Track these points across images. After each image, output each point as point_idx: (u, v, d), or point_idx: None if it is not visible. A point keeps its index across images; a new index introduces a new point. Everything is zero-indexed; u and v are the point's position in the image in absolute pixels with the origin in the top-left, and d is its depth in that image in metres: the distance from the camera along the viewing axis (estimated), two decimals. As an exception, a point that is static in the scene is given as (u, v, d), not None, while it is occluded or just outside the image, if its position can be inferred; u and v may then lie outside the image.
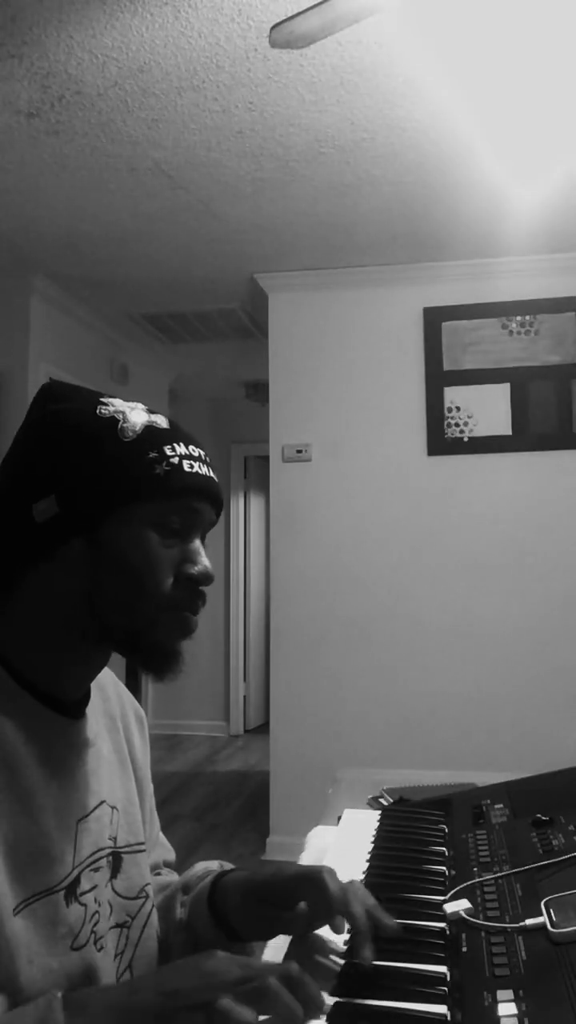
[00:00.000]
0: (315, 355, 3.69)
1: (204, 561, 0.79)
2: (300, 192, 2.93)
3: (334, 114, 2.42)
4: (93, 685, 0.85)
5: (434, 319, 3.57)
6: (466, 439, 3.52)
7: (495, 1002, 0.67)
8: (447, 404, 3.54)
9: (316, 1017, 0.66)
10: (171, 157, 2.67)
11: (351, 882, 0.81)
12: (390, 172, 2.78)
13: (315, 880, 0.78)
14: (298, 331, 3.72)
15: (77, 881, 0.74)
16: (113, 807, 0.83)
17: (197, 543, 0.80)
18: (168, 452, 0.77)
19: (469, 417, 3.51)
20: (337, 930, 0.77)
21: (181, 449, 0.78)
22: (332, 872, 0.79)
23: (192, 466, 0.78)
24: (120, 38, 2.07)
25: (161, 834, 1.03)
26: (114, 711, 0.91)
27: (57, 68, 2.19)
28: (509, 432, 3.47)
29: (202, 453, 0.81)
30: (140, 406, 0.81)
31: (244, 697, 6.20)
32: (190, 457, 0.79)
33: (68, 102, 2.35)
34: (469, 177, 2.80)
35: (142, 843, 0.87)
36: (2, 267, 3.56)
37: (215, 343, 4.77)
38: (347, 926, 0.77)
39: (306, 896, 0.78)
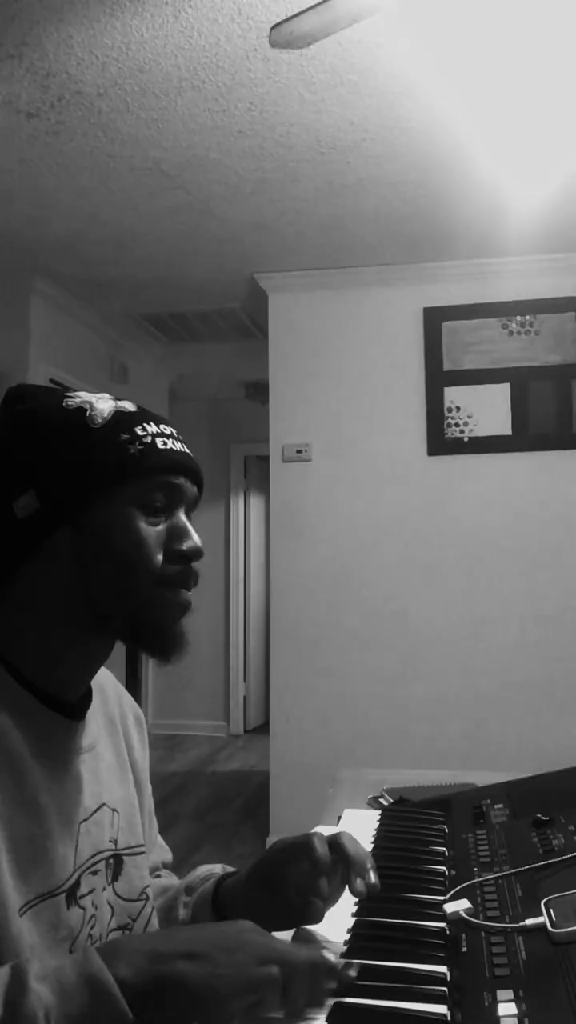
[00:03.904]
0: (315, 355, 3.69)
1: (193, 536, 0.79)
2: (300, 192, 2.93)
3: (334, 114, 2.42)
4: (93, 686, 0.84)
5: (434, 319, 3.57)
6: (466, 439, 3.51)
7: (495, 1002, 0.66)
8: (447, 404, 3.54)
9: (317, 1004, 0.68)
10: (171, 157, 2.67)
11: (341, 833, 0.82)
12: (390, 172, 2.78)
13: (304, 846, 0.79)
14: (298, 331, 3.72)
15: (77, 884, 0.74)
16: (114, 809, 0.83)
17: (183, 519, 0.80)
18: (140, 432, 0.78)
19: (469, 417, 3.51)
20: (323, 891, 0.78)
21: (152, 428, 0.79)
22: (321, 836, 0.80)
23: (166, 443, 0.79)
24: (120, 38, 2.07)
25: (159, 836, 1.03)
26: (114, 713, 0.91)
27: (57, 68, 2.19)
28: (509, 432, 3.47)
29: (174, 431, 0.82)
30: (106, 395, 0.82)
31: (244, 697, 6.20)
32: (162, 435, 0.79)
33: (68, 102, 2.35)
34: (469, 177, 2.80)
35: (142, 845, 0.87)
36: (2, 267, 3.56)
37: (215, 343, 4.77)
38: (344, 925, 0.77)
39: (295, 863, 0.79)
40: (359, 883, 0.77)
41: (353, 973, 0.69)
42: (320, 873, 0.78)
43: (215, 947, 0.62)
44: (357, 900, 0.83)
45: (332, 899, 0.81)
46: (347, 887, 0.80)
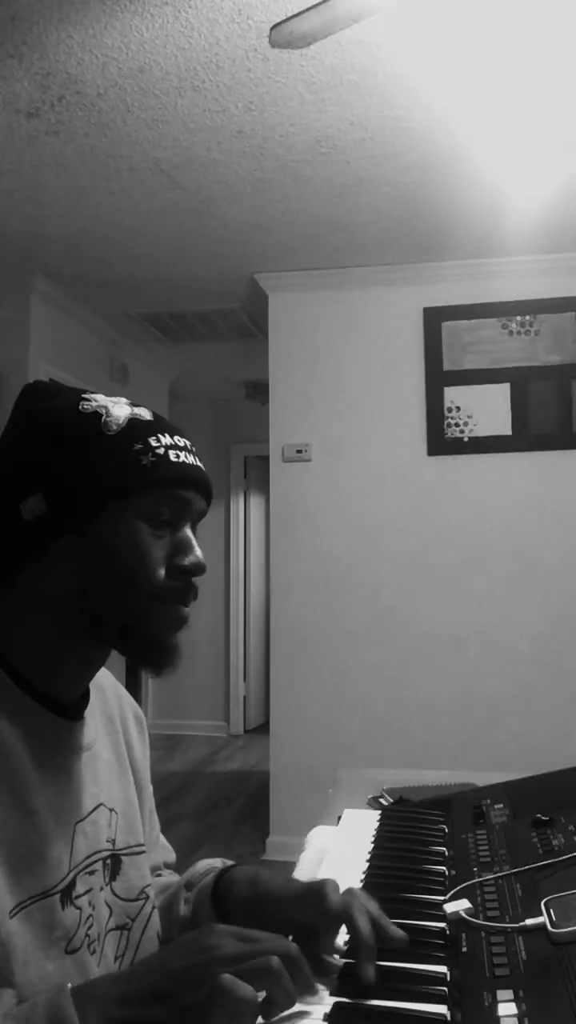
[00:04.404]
0: (315, 355, 3.69)
1: (196, 552, 0.78)
2: (300, 192, 2.93)
3: (334, 114, 2.42)
4: (92, 686, 0.84)
5: (434, 319, 3.57)
6: (466, 439, 3.51)
7: (495, 1002, 0.66)
8: (447, 404, 3.54)
9: (310, 994, 0.67)
10: (171, 157, 2.67)
11: (352, 890, 0.79)
12: (390, 172, 2.78)
13: (316, 894, 0.77)
14: (298, 331, 3.72)
15: (72, 884, 0.74)
16: (111, 809, 0.83)
17: (188, 533, 0.79)
18: (153, 443, 0.77)
19: (469, 417, 3.51)
20: (330, 950, 0.76)
21: (166, 439, 0.78)
22: (335, 886, 0.78)
23: (178, 456, 0.78)
24: (120, 38, 2.07)
25: (161, 835, 1.02)
26: (113, 712, 0.91)
27: (57, 68, 2.19)
28: (509, 432, 3.47)
29: (187, 443, 0.81)
30: (123, 400, 0.81)
31: (244, 697, 6.20)
32: (175, 447, 0.79)
33: (68, 102, 2.35)
34: (469, 177, 2.80)
35: (142, 844, 0.87)
36: (2, 267, 3.56)
37: (215, 343, 4.77)
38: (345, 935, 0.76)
39: (306, 911, 0.77)
40: (368, 971, 0.70)
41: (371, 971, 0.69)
42: (329, 926, 0.75)
43: (180, 981, 0.60)
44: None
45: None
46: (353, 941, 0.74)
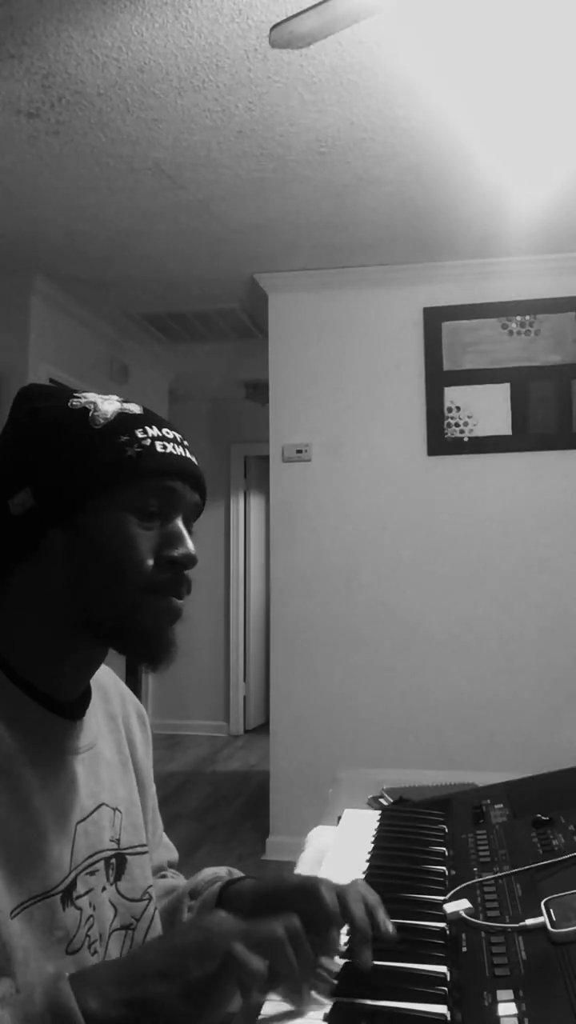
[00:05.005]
0: (315, 355, 3.69)
1: (187, 543, 0.77)
2: (300, 192, 2.93)
3: (334, 114, 2.42)
4: (93, 684, 0.84)
5: (434, 319, 3.57)
6: (466, 439, 3.51)
7: (495, 1002, 0.66)
8: (447, 404, 3.54)
9: (310, 970, 0.67)
10: (171, 157, 2.67)
11: (353, 882, 0.79)
12: (390, 172, 2.78)
13: (311, 891, 0.76)
14: (298, 331, 3.72)
15: (73, 884, 0.74)
16: (115, 809, 0.83)
17: (179, 525, 0.78)
18: (140, 435, 0.77)
19: (469, 417, 3.51)
20: (333, 945, 0.76)
21: (153, 431, 0.78)
22: (329, 884, 0.77)
23: (165, 447, 0.78)
24: (120, 38, 2.07)
25: (164, 834, 1.02)
26: (115, 711, 0.90)
27: (57, 68, 2.19)
28: (509, 432, 3.47)
29: (177, 436, 0.81)
30: (114, 397, 0.81)
31: (244, 697, 6.20)
32: (163, 439, 0.78)
33: (68, 102, 2.35)
34: (469, 177, 2.80)
35: (144, 844, 0.87)
36: (2, 267, 3.56)
37: (215, 343, 4.77)
38: (344, 929, 0.76)
39: (302, 908, 0.76)
40: (365, 955, 0.72)
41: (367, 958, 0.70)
42: (330, 923, 0.75)
43: (185, 954, 0.60)
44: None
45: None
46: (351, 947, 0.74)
